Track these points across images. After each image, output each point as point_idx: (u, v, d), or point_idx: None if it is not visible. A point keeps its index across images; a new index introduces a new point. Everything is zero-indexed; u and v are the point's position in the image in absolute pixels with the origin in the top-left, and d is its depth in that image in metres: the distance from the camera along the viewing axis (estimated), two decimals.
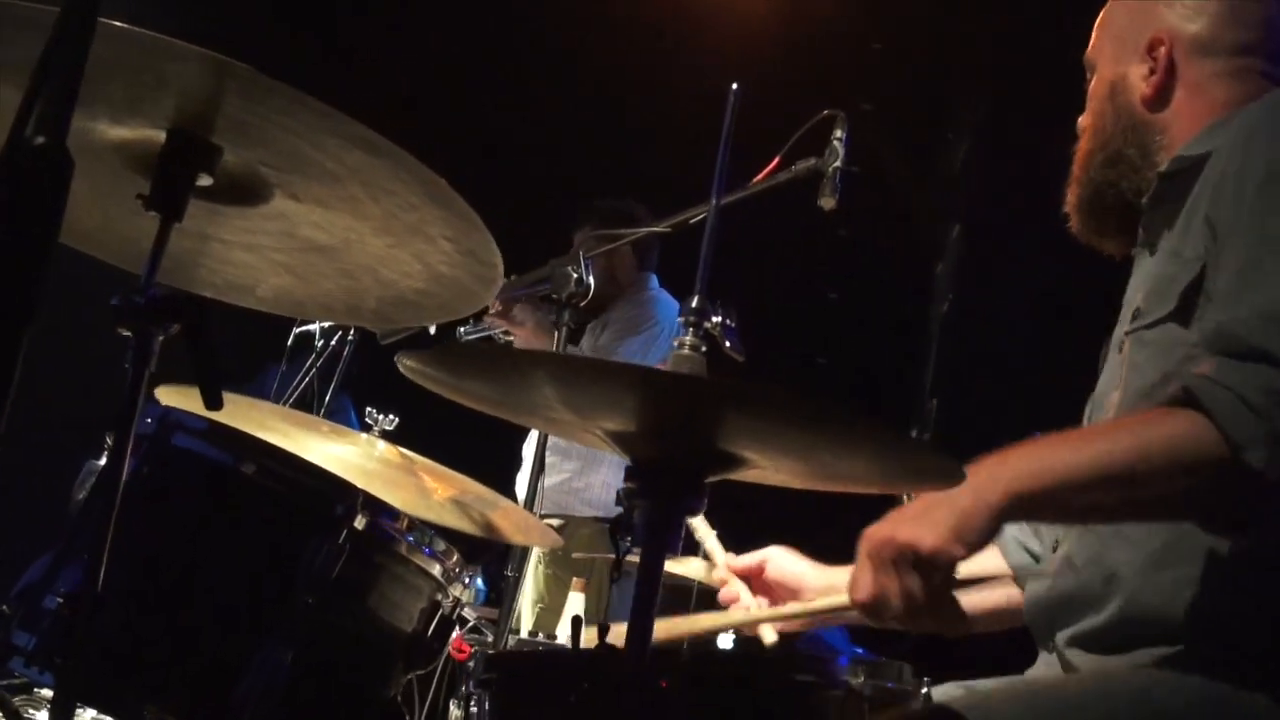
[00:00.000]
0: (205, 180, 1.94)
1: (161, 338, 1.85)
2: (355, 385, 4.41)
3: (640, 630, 1.77)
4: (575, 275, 3.38)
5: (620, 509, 1.66)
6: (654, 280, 5.64)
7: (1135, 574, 1.94)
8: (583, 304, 3.39)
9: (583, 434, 1.82)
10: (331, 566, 2.11)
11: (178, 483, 2.16)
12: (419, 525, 2.30)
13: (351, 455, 2.69)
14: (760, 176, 3.39)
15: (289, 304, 2.20)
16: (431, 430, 2.94)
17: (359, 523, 2.15)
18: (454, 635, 3.77)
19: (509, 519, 2.83)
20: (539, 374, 1.70)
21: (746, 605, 2.31)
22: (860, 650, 5.67)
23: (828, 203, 3.27)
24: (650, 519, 1.78)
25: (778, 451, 1.77)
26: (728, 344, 2.05)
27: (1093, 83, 2.31)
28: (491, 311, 4.39)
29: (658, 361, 5.31)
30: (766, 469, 1.81)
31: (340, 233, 2.01)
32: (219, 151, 1.92)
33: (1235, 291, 1.83)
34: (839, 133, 3.33)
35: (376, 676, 2.23)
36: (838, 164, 3.27)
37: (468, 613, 3.85)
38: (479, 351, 1.67)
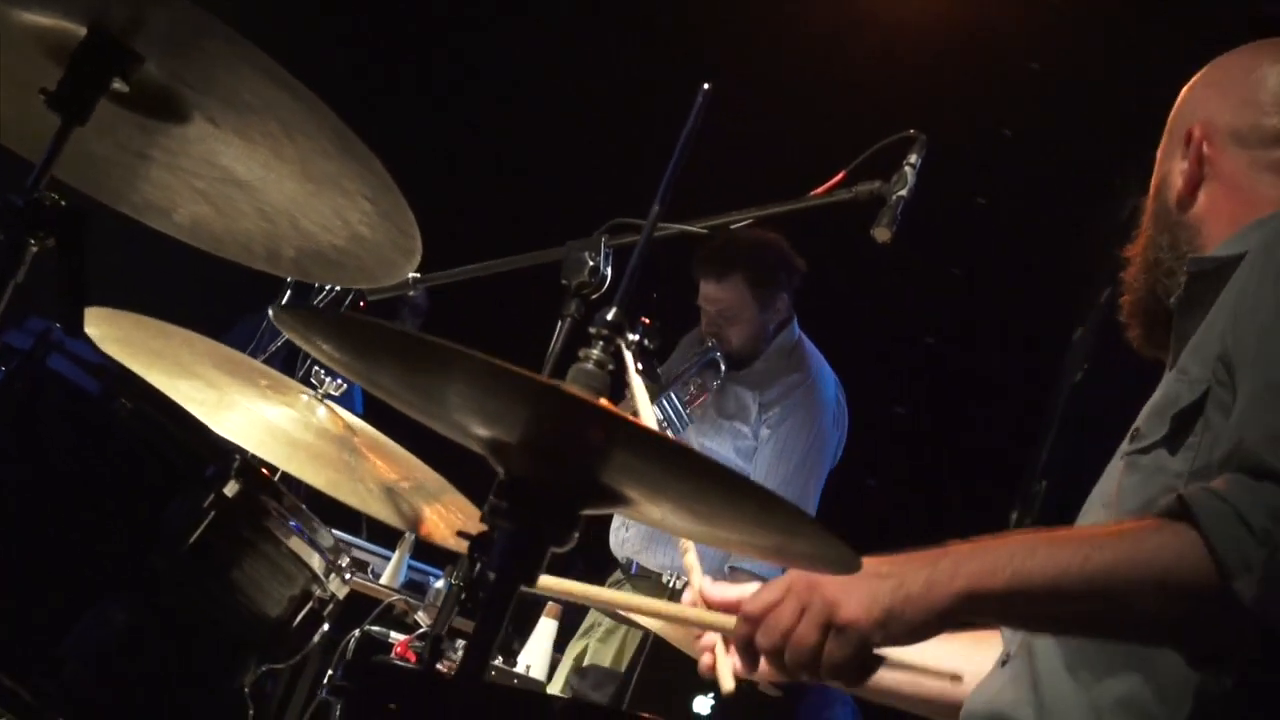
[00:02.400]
0: (121, 86, 2.03)
1: (35, 248, 1.94)
2: None
3: (477, 658, 1.83)
4: (592, 263, 3.43)
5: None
6: (803, 338, 5.46)
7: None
8: (594, 296, 3.44)
9: (450, 430, 1.88)
10: (190, 531, 2.20)
11: (42, 407, 2.25)
12: (303, 510, 2.37)
13: (281, 419, 2.78)
14: (820, 190, 3.40)
15: (207, 236, 2.30)
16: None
17: (230, 489, 2.23)
18: (400, 639, 3.91)
19: (443, 517, 2.90)
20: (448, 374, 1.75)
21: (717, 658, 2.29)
22: None
23: (882, 234, 3.25)
24: (511, 542, 1.84)
25: (658, 495, 1.82)
26: (639, 367, 2.08)
27: (1148, 203, 2.33)
28: None
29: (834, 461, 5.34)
30: (646, 510, 1.86)
31: (258, 169, 2.10)
32: (138, 60, 2.02)
33: (1253, 412, 1.81)
34: (913, 157, 3.30)
35: (224, 660, 2.31)
36: (903, 193, 3.25)
37: (420, 617, 3.94)
38: (349, 320, 1.73)
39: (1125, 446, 2.09)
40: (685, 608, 2.21)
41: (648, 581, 5.04)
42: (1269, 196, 2.13)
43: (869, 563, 1.80)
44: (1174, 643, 1.80)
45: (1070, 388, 7.26)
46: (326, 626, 2.47)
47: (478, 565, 1.90)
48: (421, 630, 3.95)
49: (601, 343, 1.96)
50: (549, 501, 1.82)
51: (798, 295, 5.44)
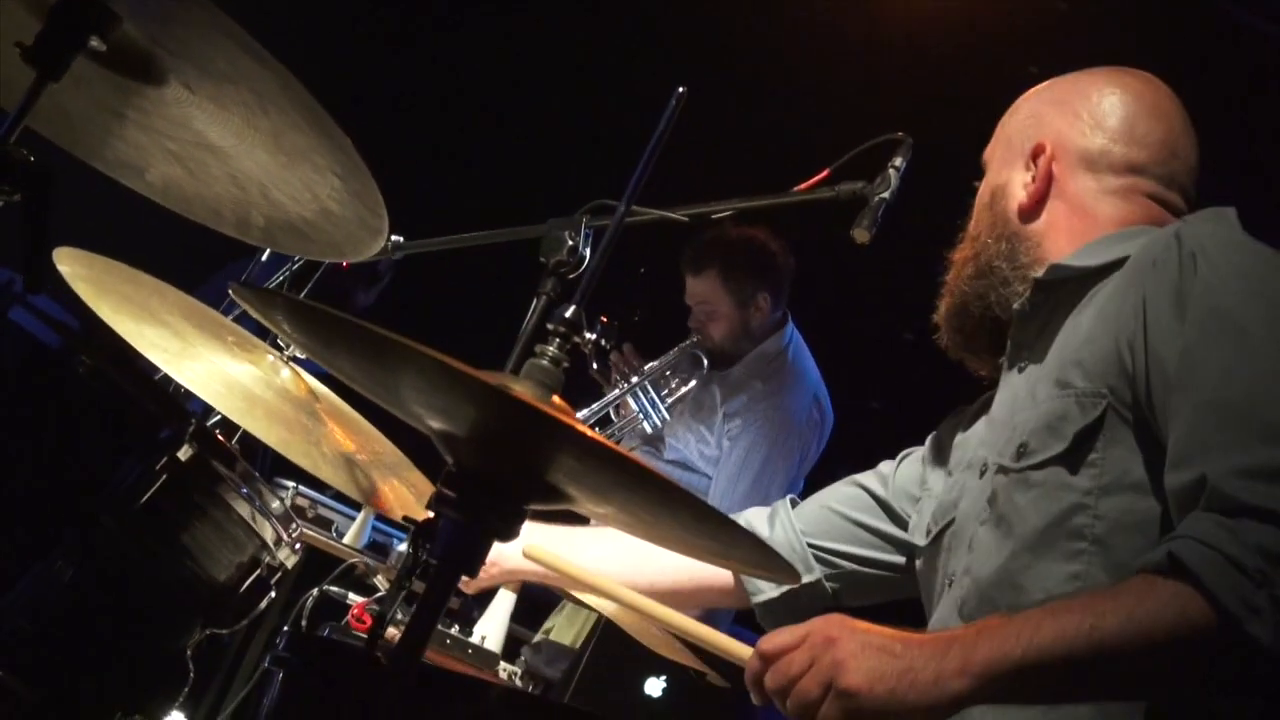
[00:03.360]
0: (98, 45, 2.03)
1: (1, 202, 1.94)
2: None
3: (413, 641, 1.84)
4: (571, 243, 3.43)
5: None
6: (796, 338, 5.46)
7: None
8: (571, 276, 3.44)
9: (405, 416, 1.89)
10: (141, 492, 2.20)
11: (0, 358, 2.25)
12: (257, 478, 2.37)
13: (243, 376, 2.77)
14: (803, 187, 3.40)
15: (178, 198, 2.31)
16: None
17: (183, 453, 2.23)
18: (358, 602, 3.92)
19: (398, 492, 2.90)
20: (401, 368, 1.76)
21: None
22: None
23: (861, 235, 3.24)
24: (455, 532, 1.85)
25: (601, 497, 1.83)
26: (594, 366, 2.08)
27: (980, 187, 2.42)
28: None
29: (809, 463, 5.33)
30: (588, 508, 1.88)
31: (231, 137, 2.11)
32: (117, 20, 2.01)
33: (1206, 445, 1.81)
34: (898, 160, 3.29)
35: (168, 622, 2.31)
36: (885, 195, 3.25)
37: (380, 580, 3.94)
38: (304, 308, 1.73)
39: (1001, 461, 2.10)
40: (710, 631, 2.25)
41: None
42: (1109, 217, 2.22)
43: (886, 634, 1.83)
44: (1197, 689, 1.79)
45: None
46: (274, 594, 2.48)
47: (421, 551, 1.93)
48: (379, 594, 3.95)
49: (558, 340, 1.96)
50: (495, 495, 1.84)
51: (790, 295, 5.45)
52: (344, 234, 2.16)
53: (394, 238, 3.57)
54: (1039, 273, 2.20)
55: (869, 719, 1.79)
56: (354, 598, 3.97)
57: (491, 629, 4.22)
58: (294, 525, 2.46)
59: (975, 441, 2.34)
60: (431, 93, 6.99)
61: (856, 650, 1.82)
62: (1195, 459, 1.81)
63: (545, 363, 1.91)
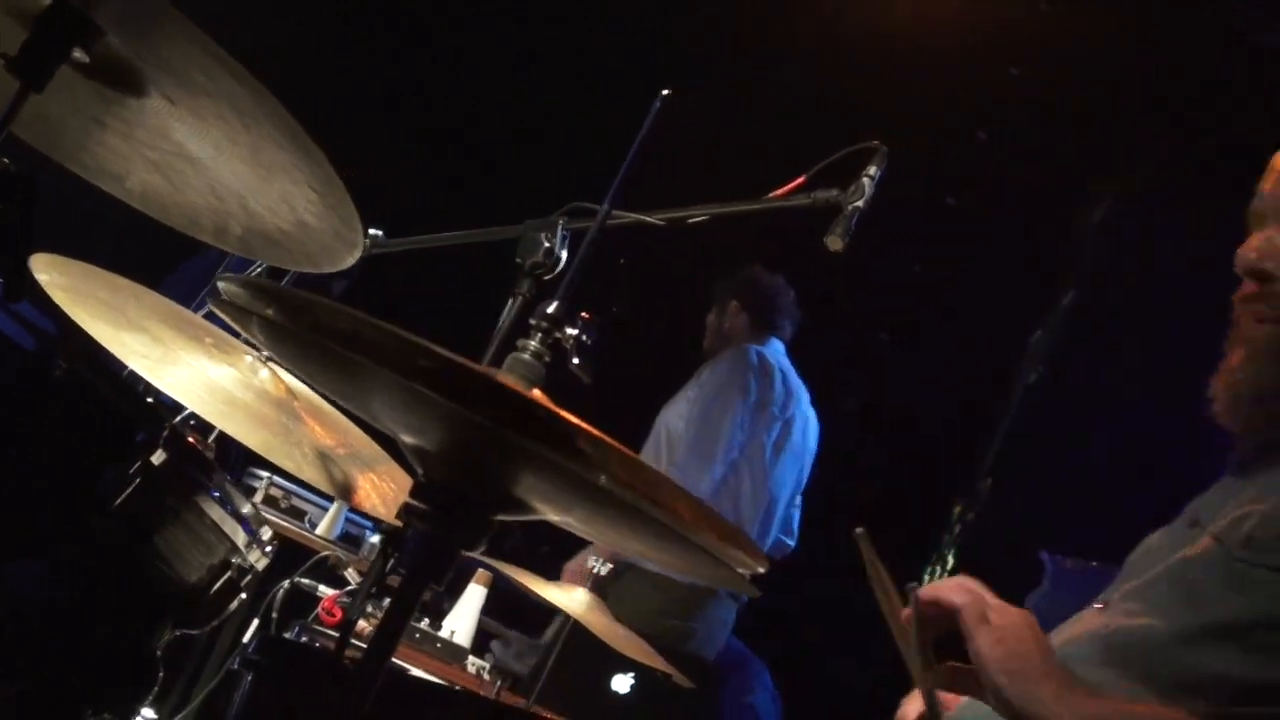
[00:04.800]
0: (81, 56, 2.07)
1: None
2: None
3: (381, 647, 1.89)
4: (547, 245, 3.47)
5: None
6: (774, 346, 5.97)
7: None
8: (547, 277, 3.48)
9: (380, 427, 1.93)
10: (115, 495, 2.24)
11: None
12: (228, 482, 2.42)
13: (223, 378, 2.81)
14: (779, 193, 3.44)
15: (156, 205, 2.34)
16: None
17: (157, 458, 2.27)
18: (329, 595, 3.96)
19: (376, 487, 2.94)
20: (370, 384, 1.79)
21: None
22: None
23: (834, 244, 3.28)
24: (423, 542, 1.90)
25: (564, 509, 1.88)
26: (575, 361, 2.12)
27: (1258, 242, 2.09)
28: None
29: (736, 439, 5.66)
30: (557, 519, 1.93)
31: (210, 149, 2.14)
32: (100, 32, 2.05)
33: None
34: (873, 169, 3.33)
35: (139, 622, 2.36)
36: (859, 204, 3.28)
37: (351, 573, 3.98)
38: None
39: (1217, 533, 1.99)
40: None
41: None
42: None
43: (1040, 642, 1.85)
44: None
45: (1024, 389, 7.32)
46: (244, 596, 2.52)
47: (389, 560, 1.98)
48: (351, 586, 4.00)
49: (540, 334, 2.01)
50: (463, 508, 1.89)
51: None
52: (319, 245, 2.20)
53: (373, 231, 3.61)
54: None
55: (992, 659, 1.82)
56: (324, 590, 4.02)
57: (461, 623, 4.28)
58: (264, 529, 2.50)
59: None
60: (417, 91, 7.02)
61: (999, 634, 1.84)
62: None
63: (527, 356, 1.96)
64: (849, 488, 7.01)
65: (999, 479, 6.98)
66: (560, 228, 3.56)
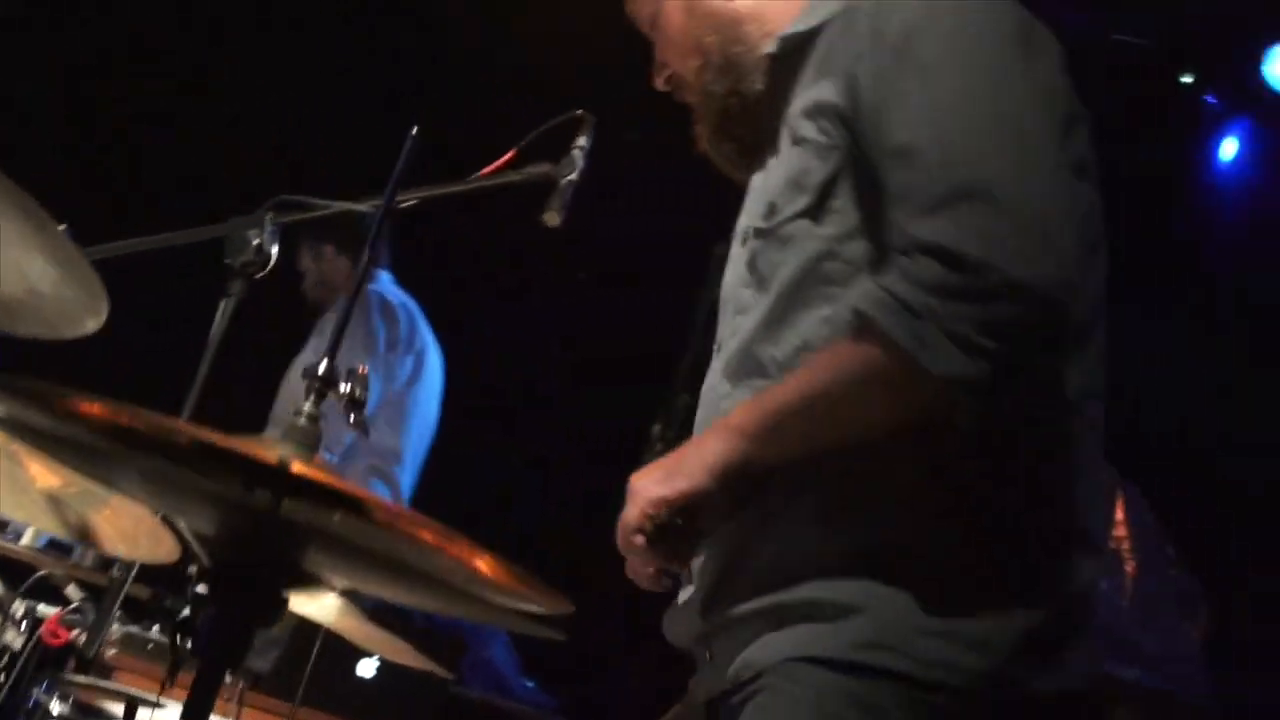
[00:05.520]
0: None
1: None
2: None
3: None
4: (256, 241, 3.35)
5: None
6: (383, 279, 5.87)
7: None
8: (258, 275, 3.37)
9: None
10: None
11: None
12: None
13: None
14: (486, 171, 3.39)
15: None
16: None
17: None
18: (51, 614, 3.78)
19: (115, 524, 2.83)
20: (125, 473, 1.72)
21: None
22: (531, 684, 5.89)
23: (552, 219, 3.24)
24: (217, 629, 1.84)
25: (359, 578, 1.85)
26: (350, 419, 2.06)
27: (660, 25, 2.39)
28: None
29: (402, 380, 5.65)
30: (361, 588, 1.90)
31: None
32: None
33: (899, 188, 1.91)
34: (582, 140, 3.30)
35: None
36: (573, 176, 3.25)
37: (70, 591, 3.81)
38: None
39: (755, 225, 2.16)
40: None
41: None
42: None
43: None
44: (901, 426, 1.92)
45: (710, 304, 7.48)
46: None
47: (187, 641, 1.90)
48: (74, 605, 3.82)
49: (314, 396, 1.94)
50: (252, 588, 1.84)
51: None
52: (57, 312, 2.08)
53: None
54: (771, 47, 2.21)
55: (657, 508, 1.96)
56: (44, 609, 3.84)
57: None
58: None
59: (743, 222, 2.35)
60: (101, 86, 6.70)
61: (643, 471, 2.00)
62: (892, 203, 1.92)
63: (304, 422, 1.90)
64: (551, 416, 7.09)
65: (694, 393, 7.13)
66: (269, 223, 3.44)
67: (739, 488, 1.97)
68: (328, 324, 5.76)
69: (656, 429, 7.46)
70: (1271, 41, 5.88)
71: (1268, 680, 5.17)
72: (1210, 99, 6.25)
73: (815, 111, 2.05)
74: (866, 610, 1.89)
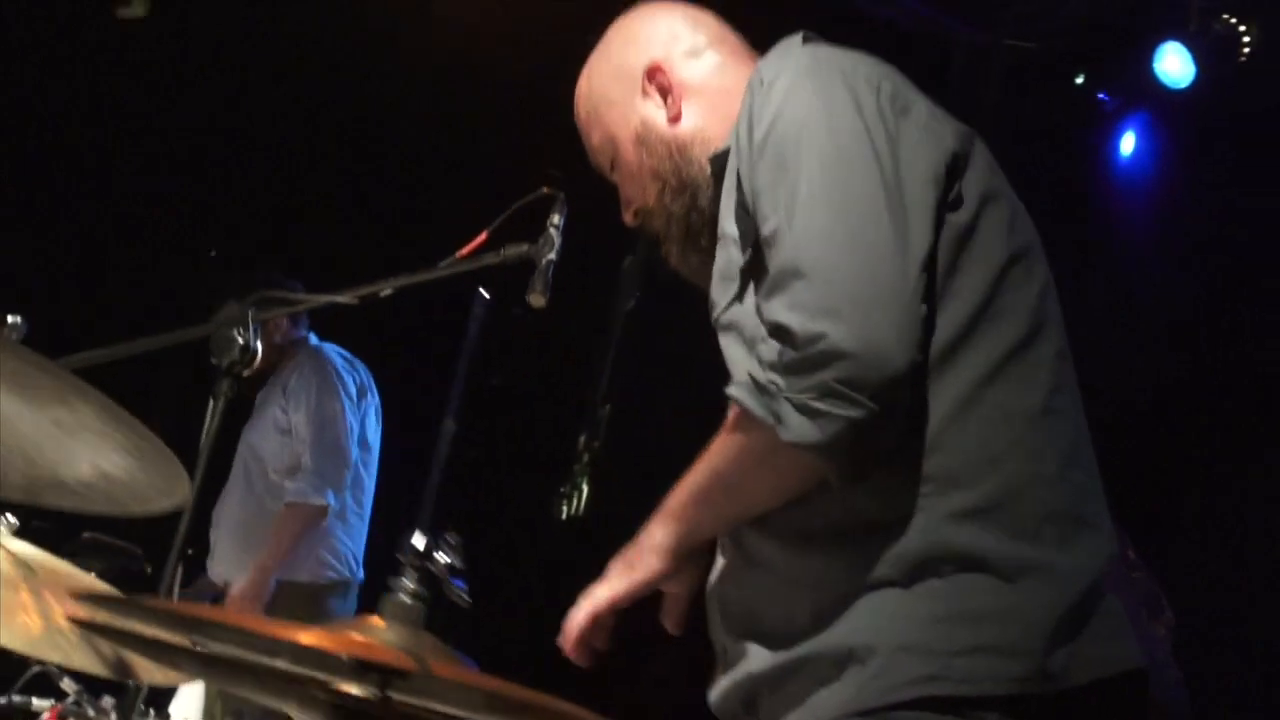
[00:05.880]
0: None
1: None
2: None
3: None
4: (241, 341, 3.38)
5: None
6: (312, 335, 6.27)
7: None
8: (246, 373, 3.39)
9: None
10: None
11: None
12: None
13: None
14: (465, 252, 3.42)
15: None
16: None
17: None
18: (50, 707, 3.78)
19: None
20: None
21: None
22: None
23: (537, 300, 3.25)
24: None
25: None
26: (456, 586, 2.08)
27: (619, 166, 2.52)
28: None
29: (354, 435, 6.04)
30: None
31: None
32: None
33: (772, 280, 2.08)
34: (556, 218, 3.32)
35: None
36: (552, 256, 3.27)
37: (66, 684, 3.81)
38: None
39: (713, 322, 2.33)
40: None
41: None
42: (730, 87, 2.39)
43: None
44: (787, 493, 2.11)
45: (624, 314, 7.52)
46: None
47: None
48: (72, 698, 3.81)
49: (412, 571, 1.95)
50: None
51: None
52: (129, 493, 2.11)
53: (12, 318, 3.40)
54: (708, 167, 2.38)
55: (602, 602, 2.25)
56: (39, 703, 3.84)
57: (189, 704, 4.18)
58: None
59: None
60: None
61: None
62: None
63: (405, 598, 1.91)
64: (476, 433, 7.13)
65: (616, 404, 7.19)
66: (251, 319, 3.46)
67: (688, 556, 2.23)
68: (270, 394, 6.07)
69: (582, 439, 7.53)
70: (1160, 40, 6.07)
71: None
72: (1104, 96, 6.44)
73: (732, 210, 2.22)
74: (895, 647, 2.01)
